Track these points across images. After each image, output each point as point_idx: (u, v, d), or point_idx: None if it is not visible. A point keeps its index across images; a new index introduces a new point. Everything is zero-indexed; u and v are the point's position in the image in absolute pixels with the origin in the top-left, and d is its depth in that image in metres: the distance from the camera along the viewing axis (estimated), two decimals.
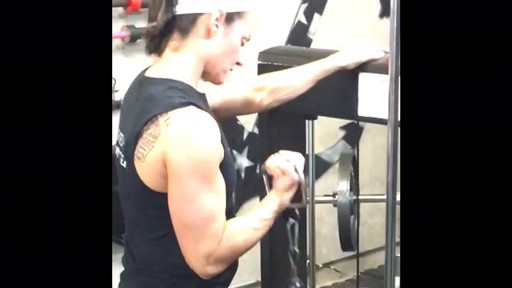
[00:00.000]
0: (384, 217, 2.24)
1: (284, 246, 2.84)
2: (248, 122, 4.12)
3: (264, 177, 2.22)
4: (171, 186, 2.01)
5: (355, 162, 3.24)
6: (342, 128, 4.38)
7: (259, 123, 2.87)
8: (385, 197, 2.37)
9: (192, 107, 2.01)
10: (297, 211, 2.22)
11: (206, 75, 2.17)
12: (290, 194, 2.16)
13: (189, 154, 1.97)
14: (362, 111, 2.51)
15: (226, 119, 3.87)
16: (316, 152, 4.45)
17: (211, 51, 2.11)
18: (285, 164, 2.16)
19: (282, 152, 2.21)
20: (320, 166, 4.55)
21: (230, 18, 2.09)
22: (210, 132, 2.01)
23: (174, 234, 2.06)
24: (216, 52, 2.11)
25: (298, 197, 2.18)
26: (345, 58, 2.47)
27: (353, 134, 4.40)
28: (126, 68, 3.81)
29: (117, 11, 3.83)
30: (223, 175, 2.07)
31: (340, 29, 4.42)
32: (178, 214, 2.03)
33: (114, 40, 3.81)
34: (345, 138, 4.38)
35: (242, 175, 4.35)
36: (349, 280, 4.45)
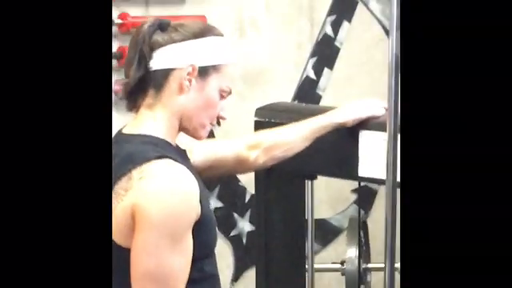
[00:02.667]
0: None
1: None
2: (251, 183, 4.12)
3: None
4: (135, 236, 2.04)
5: (366, 228, 3.26)
6: (354, 191, 4.37)
7: (256, 184, 2.90)
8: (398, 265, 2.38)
9: (168, 160, 2.08)
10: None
11: (185, 130, 2.24)
12: None
13: (160, 206, 2.02)
14: (362, 171, 2.54)
15: (219, 178, 3.87)
16: (325, 217, 4.54)
17: (185, 106, 2.19)
18: None
19: None
20: (330, 232, 4.60)
21: (204, 71, 2.18)
22: (185, 187, 2.07)
23: None
24: (190, 107, 2.19)
25: None
26: (343, 115, 2.53)
27: (365, 198, 4.42)
28: (118, 124, 3.88)
29: None
30: (199, 235, 2.10)
31: (352, 84, 4.45)
32: (135, 263, 2.05)
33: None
34: (356, 202, 4.35)
35: (244, 240, 4.37)
36: None
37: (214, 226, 2.23)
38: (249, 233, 4.35)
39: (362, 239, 3.16)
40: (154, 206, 2.02)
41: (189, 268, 2.08)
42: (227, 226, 4.34)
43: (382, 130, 2.40)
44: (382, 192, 4.18)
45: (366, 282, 3.12)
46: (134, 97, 2.21)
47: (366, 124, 2.53)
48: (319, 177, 2.88)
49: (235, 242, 4.38)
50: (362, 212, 4.34)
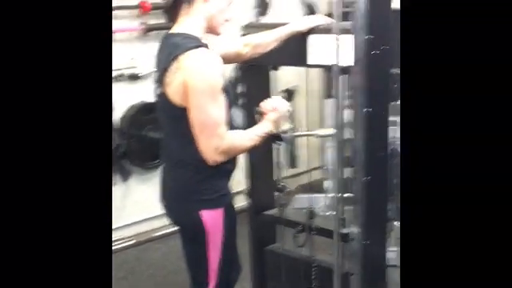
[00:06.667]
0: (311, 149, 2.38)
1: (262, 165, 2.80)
2: None
3: (256, 116, 2.26)
4: (190, 101, 2.02)
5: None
6: (283, 91, 4.25)
7: (241, 76, 2.77)
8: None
9: (203, 48, 2.04)
10: (282, 136, 2.29)
11: (209, 29, 2.16)
12: (276, 125, 2.23)
13: (201, 78, 2.00)
14: (310, 61, 2.43)
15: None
16: None
17: (209, 11, 2.12)
18: (276, 103, 2.24)
19: (273, 97, 2.31)
20: None
21: None
22: (215, 65, 2.03)
23: (193, 137, 2.07)
24: (212, 11, 2.13)
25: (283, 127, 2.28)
26: (300, 25, 2.42)
27: (290, 95, 4.35)
28: (142, 51, 3.78)
29: (134, 12, 3.79)
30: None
31: None
32: (195, 119, 2.04)
33: (133, 32, 3.80)
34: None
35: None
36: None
37: (230, 91, 2.18)
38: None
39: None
40: (198, 79, 2.00)
41: (225, 116, 2.09)
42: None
43: (325, 33, 2.34)
44: (301, 92, 4.07)
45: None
46: (173, 11, 2.14)
47: (312, 30, 2.41)
48: None
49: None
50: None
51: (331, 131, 4.12)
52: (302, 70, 2.63)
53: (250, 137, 2.16)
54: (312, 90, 2.95)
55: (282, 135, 2.48)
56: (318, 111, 2.83)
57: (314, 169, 4.83)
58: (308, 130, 3.72)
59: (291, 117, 3.02)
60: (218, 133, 2.05)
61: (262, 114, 2.23)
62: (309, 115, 4.42)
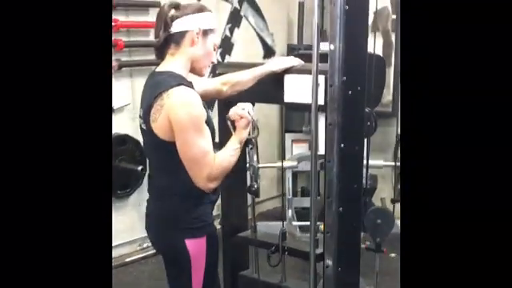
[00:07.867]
0: (268, 180, 2.11)
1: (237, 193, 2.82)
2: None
3: (228, 122, 2.27)
4: (177, 137, 2.03)
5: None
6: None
7: (219, 110, 2.77)
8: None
9: (183, 86, 2.05)
10: (253, 140, 2.30)
11: (193, 70, 2.19)
12: (247, 130, 2.25)
13: (185, 114, 2.00)
14: (286, 99, 2.47)
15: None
16: None
17: (195, 54, 2.15)
18: (241, 111, 2.23)
19: (238, 104, 2.28)
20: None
21: (205, 32, 2.16)
22: (196, 100, 2.05)
23: (180, 169, 2.08)
24: (198, 54, 2.15)
25: (252, 131, 2.29)
26: (275, 65, 2.46)
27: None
28: (115, 86, 3.78)
29: None
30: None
31: (250, 37, 4.60)
32: (185, 154, 2.06)
33: None
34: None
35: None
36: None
37: (212, 123, 2.19)
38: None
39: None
40: (181, 114, 2.01)
41: (211, 144, 2.11)
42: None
43: (297, 73, 2.41)
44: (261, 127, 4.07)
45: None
46: (162, 50, 2.16)
47: (288, 70, 2.45)
48: None
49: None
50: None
51: (294, 163, 4.19)
52: (262, 105, 2.65)
53: (231, 153, 2.18)
54: (271, 124, 2.99)
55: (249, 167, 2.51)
56: (277, 145, 2.84)
57: (273, 198, 4.90)
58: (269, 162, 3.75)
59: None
60: (207, 162, 2.07)
61: (232, 122, 2.27)
62: (269, 148, 4.51)
